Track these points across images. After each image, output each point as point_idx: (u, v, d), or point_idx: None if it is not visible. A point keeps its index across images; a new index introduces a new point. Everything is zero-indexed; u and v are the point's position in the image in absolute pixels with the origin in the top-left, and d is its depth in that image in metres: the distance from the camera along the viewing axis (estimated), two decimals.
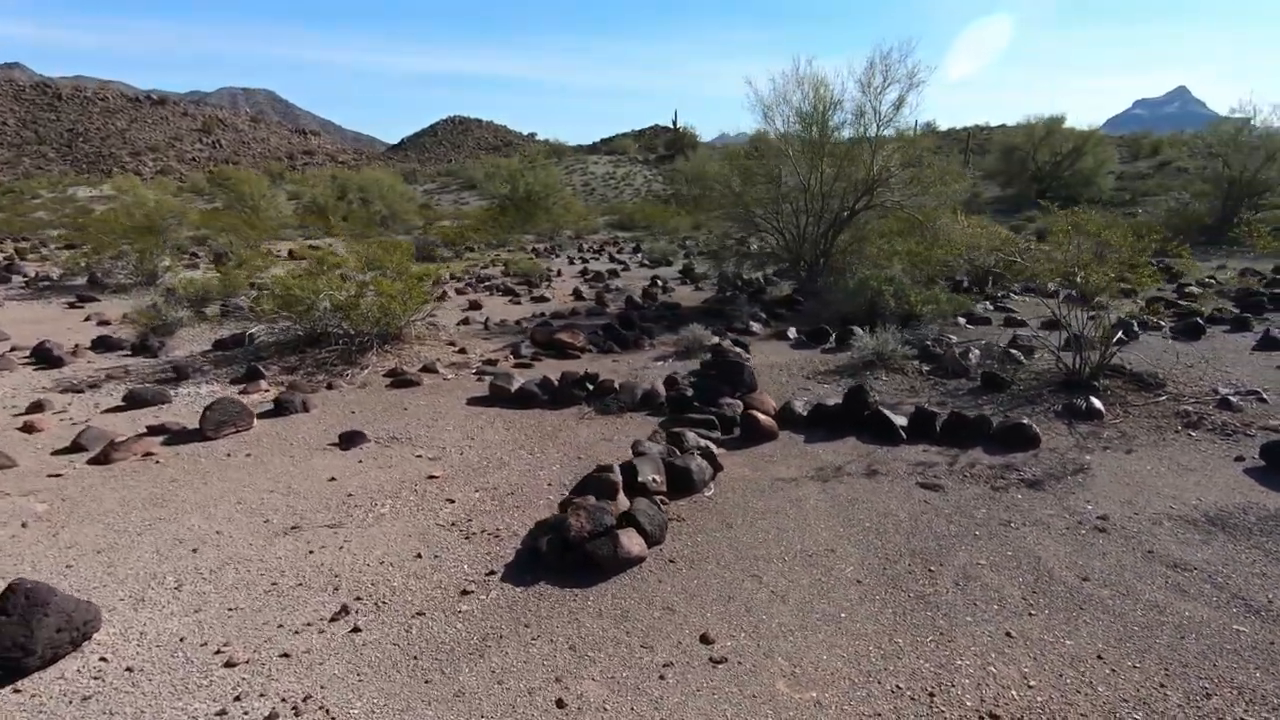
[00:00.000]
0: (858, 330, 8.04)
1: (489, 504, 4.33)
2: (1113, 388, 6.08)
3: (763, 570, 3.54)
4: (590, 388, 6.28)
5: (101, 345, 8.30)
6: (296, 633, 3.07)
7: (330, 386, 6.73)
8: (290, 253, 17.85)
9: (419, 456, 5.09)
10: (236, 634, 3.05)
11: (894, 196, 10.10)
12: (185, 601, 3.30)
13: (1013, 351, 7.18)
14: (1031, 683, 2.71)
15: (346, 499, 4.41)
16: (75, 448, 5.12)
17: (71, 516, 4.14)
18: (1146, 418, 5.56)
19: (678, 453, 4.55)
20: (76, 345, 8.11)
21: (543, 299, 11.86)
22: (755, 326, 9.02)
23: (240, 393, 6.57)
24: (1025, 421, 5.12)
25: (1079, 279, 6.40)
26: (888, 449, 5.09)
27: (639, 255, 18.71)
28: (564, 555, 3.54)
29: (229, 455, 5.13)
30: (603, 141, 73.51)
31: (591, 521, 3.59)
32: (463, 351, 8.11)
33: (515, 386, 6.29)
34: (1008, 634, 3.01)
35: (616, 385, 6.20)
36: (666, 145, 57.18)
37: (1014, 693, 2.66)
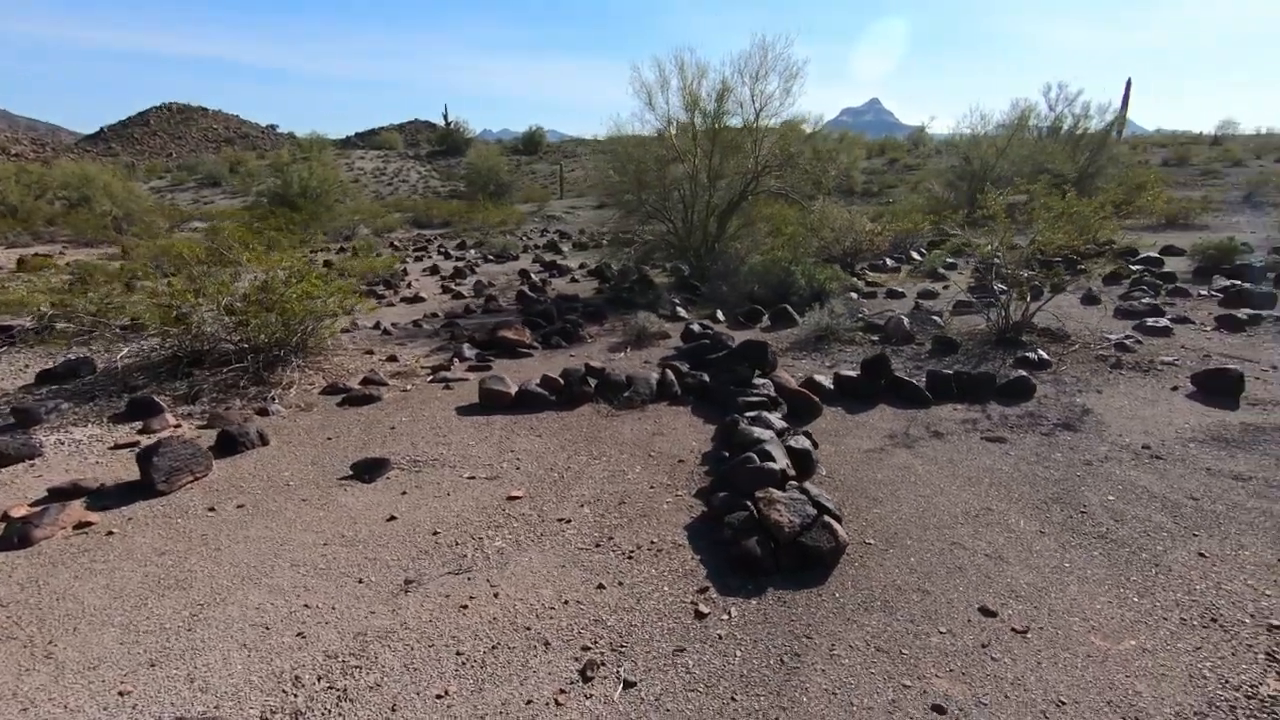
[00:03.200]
0: (789, 309, 8.39)
1: (613, 518, 3.79)
2: (1037, 341, 7.05)
3: (957, 538, 3.55)
4: (593, 383, 5.78)
5: None
6: (558, 704, 2.43)
7: (263, 413, 5.39)
8: (20, 261, 13.95)
9: (472, 479, 4.29)
10: None
11: (775, 184, 10.67)
12: (365, 708, 2.44)
13: (934, 317, 8.00)
14: (1267, 591, 3.05)
15: (433, 538, 3.58)
16: None
17: (57, 637, 2.85)
18: (1077, 364, 6.54)
19: (775, 437, 4.36)
20: None
21: (416, 299, 10.64)
22: (682, 312, 8.98)
23: (139, 431, 5.02)
24: (1024, 373, 5.74)
25: (1005, 252, 7.29)
26: (923, 411, 5.38)
27: (474, 252, 17.61)
28: (777, 554, 3.22)
29: (213, 510, 3.88)
30: (359, 136, 67.82)
31: (796, 514, 3.31)
32: (393, 359, 6.99)
33: (514, 390, 5.57)
34: (1200, 554, 3.35)
35: (624, 378, 5.78)
36: (439, 140, 54.44)
37: (1259, 602, 2.97)
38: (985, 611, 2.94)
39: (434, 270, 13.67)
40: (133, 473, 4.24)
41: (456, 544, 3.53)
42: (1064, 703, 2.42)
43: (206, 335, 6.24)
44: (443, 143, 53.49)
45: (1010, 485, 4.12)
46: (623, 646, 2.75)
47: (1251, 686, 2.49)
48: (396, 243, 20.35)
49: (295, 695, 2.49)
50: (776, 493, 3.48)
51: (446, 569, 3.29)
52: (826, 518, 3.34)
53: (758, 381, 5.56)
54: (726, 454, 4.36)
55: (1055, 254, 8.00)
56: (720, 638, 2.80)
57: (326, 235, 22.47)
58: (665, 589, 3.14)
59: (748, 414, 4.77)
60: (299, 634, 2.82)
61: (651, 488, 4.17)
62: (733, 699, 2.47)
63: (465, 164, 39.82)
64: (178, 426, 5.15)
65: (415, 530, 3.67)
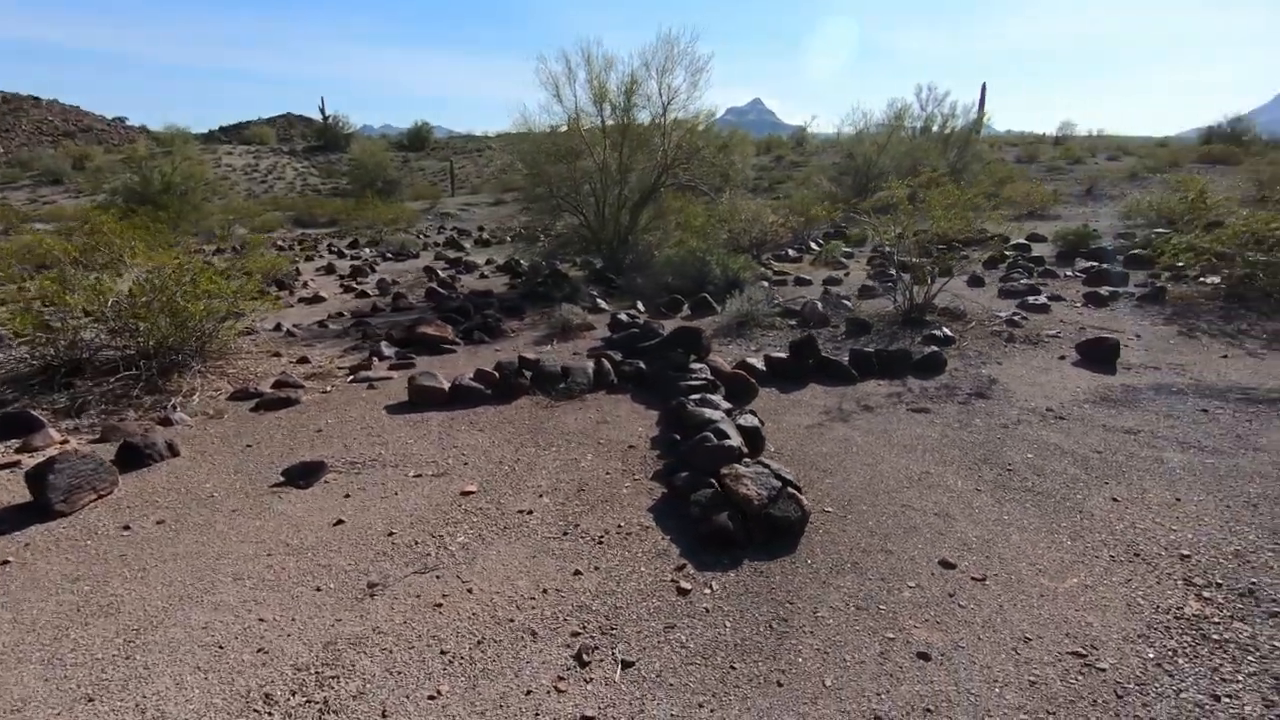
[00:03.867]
0: (709, 298, 8.57)
1: (574, 506, 3.73)
2: (939, 320, 7.56)
3: (906, 500, 3.75)
4: (529, 375, 5.66)
5: None
6: (559, 691, 2.38)
7: (165, 422, 4.90)
8: None
9: (418, 477, 4.10)
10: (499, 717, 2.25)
11: (685, 176, 10.84)
12: (353, 717, 2.29)
13: (844, 302, 8.40)
14: (1172, 526, 3.42)
15: (389, 539, 3.39)
16: None
17: None
18: (976, 339, 7.07)
19: (725, 417, 4.45)
20: None
21: (316, 299, 10.01)
22: (603, 304, 8.95)
23: (19, 450, 4.44)
24: (935, 349, 6.14)
25: (909, 239, 7.76)
26: (851, 388, 5.65)
27: (370, 250, 16.77)
28: (748, 527, 3.29)
29: (128, 529, 3.50)
30: (224, 130, 62.75)
31: (763, 488, 3.39)
32: (304, 361, 6.54)
33: (447, 385, 5.36)
34: (1113, 499, 3.72)
35: (559, 369, 5.70)
36: (316, 135, 51.40)
37: (1168, 536, 3.33)
38: (945, 564, 3.13)
39: (330, 269, 12.92)
40: (21, 494, 3.75)
41: (416, 543, 3.36)
42: (1029, 639, 2.62)
43: (85, 342, 5.60)
44: (321, 138, 50.52)
45: (942, 450, 4.41)
46: (613, 629, 2.72)
47: (1178, 609, 2.80)
48: (280, 242, 19.05)
49: (269, 713, 2.29)
50: (741, 468, 3.55)
51: (411, 569, 3.13)
52: (790, 489, 3.45)
53: (694, 366, 5.64)
54: (678, 436, 4.40)
55: (943, 241, 8.61)
56: (707, 611, 2.83)
57: (197, 236, 20.74)
58: (643, 569, 3.13)
59: (692, 397, 4.83)
60: (259, 650, 2.59)
61: (607, 474, 4.14)
62: (732, 667, 2.50)
63: (349, 160, 37.88)
64: (65, 442, 4.59)
65: (367, 533, 3.46)
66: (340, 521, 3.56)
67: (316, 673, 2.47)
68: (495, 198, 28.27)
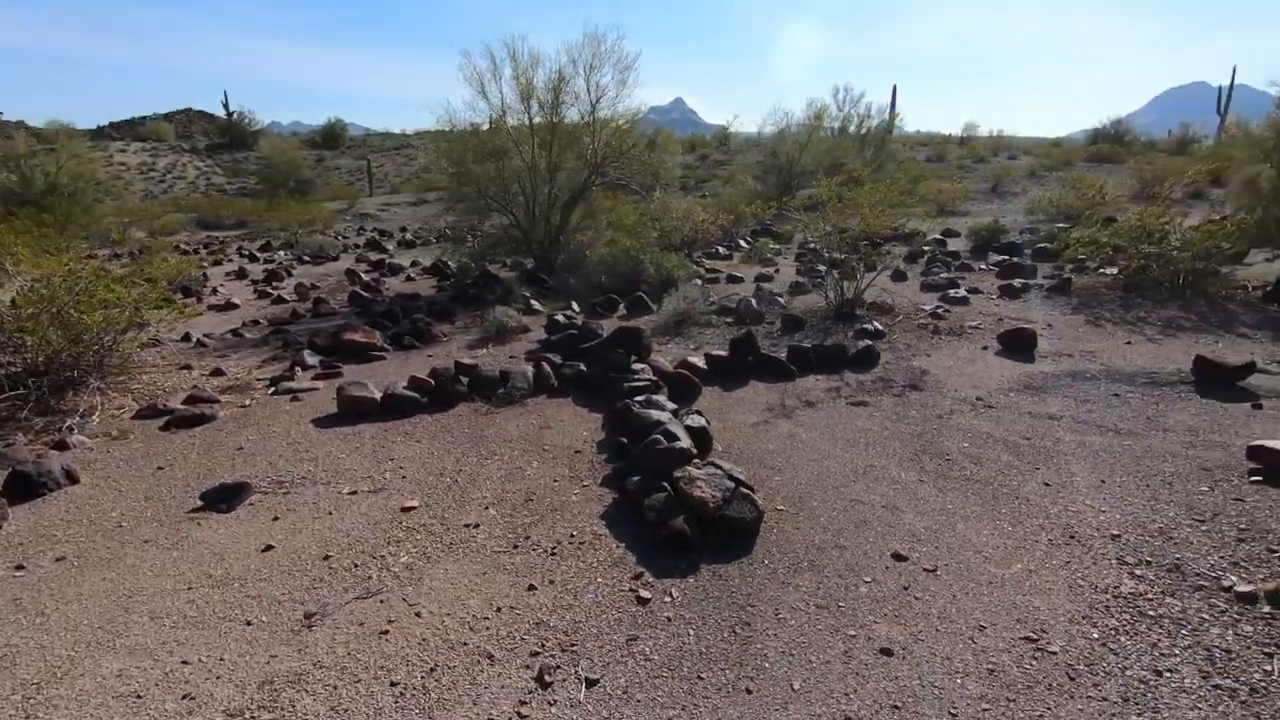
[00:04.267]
0: (645, 297, 8.53)
1: (523, 517, 3.60)
2: (869, 314, 7.77)
3: (855, 495, 3.79)
4: (466, 381, 5.47)
5: None
6: (522, 717, 2.26)
7: (60, 446, 4.46)
8: None
9: (353, 494, 3.87)
10: None
11: (615, 174, 10.76)
12: None
13: (778, 299, 8.52)
14: (1101, 508, 3.59)
15: (325, 563, 3.18)
16: None
17: None
18: (904, 332, 7.30)
19: (673, 418, 4.40)
20: None
21: (229, 306, 9.41)
22: (537, 305, 8.76)
23: None
24: (869, 343, 6.29)
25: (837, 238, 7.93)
26: (791, 383, 5.71)
27: (285, 253, 15.93)
28: (704, 531, 3.25)
29: (21, 569, 3.16)
30: (115, 126, 58.35)
31: (717, 489, 3.35)
32: (219, 373, 6.10)
33: (379, 395, 5.11)
34: (1045, 484, 3.87)
35: (498, 374, 5.52)
36: (220, 132, 48.56)
37: (1098, 518, 3.50)
38: (897, 557, 3.17)
39: (241, 274, 12.20)
40: None
41: (356, 566, 3.16)
42: (984, 627, 2.68)
43: None
44: (225, 135, 47.79)
45: (884, 443, 4.50)
46: (573, 645, 2.61)
47: (1115, 588, 2.92)
48: (184, 245, 17.87)
49: None
50: (694, 470, 3.50)
51: (352, 594, 2.93)
52: (743, 489, 3.43)
53: (636, 367, 5.57)
54: (624, 440, 4.33)
55: (867, 238, 8.87)
56: (669, 620, 2.76)
57: (90, 240, 19.22)
58: (599, 580, 3.04)
59: (637, 398, 4.76)
60: (185, 696, 2.36)
61: (554, 481, 4.02)
62: (699, 677, 2.44)
63: (258, 158, 36.04)
64: None
65: (301, 557, 3.23)
66: (270, 547, 3.31)
67: (252, 717, 2.27)
68: (417, 197, 27.41)
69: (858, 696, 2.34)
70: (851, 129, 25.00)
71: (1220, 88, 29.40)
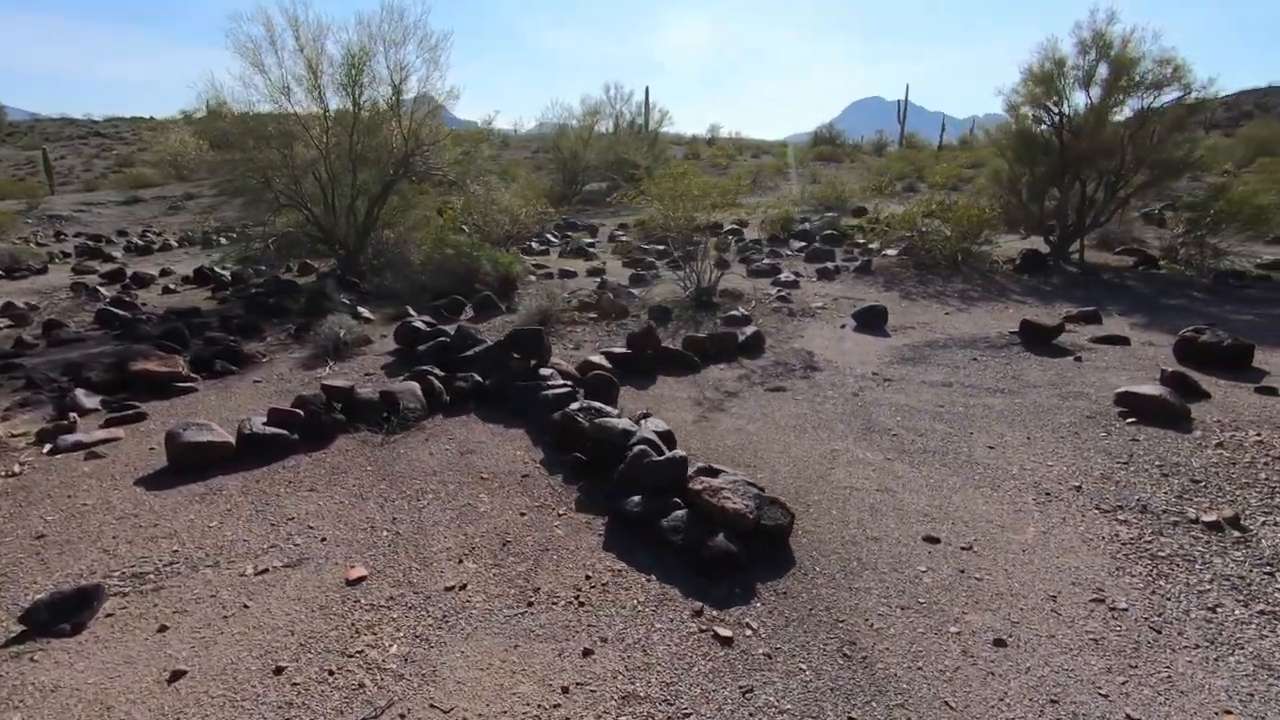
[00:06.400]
0: (493, 297, 7.78)
1: (513, 565, 2.95)
2: (725, 302, 7.88)
3: (841, 481, 3.69)
4: (339, 408, 4.44)
5: None
6: None
7: None
8: None
9: (265, 573, 2.86)
10: None
11: (425, 167, 9.67)
12: None
13: (632, 291, 8.30)
14: (1049, 461, 3.89)
15: (279, 678, 2.28)
16: None
17: None
18: (763, 315, 7.51)
19: (633, 422, 3.95)
20: None
21: None
22: (366, 313, 7.51)
23: None
24: (755, 329, 6.32)
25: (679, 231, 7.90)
26: (698, 375, 5.52)
27: None
28: (749, 543, 2.90)
29: None
30: None
31: (748, 498, 3.02)
32: None
33: (231, 437, 3.91)
34: (989, 447, 4.12)
35: (377, 396, 4.57)
36: None
37: (1052, 471, 3.79)
38: (929, 539, 3.12)
39: None
40: None
41: (331, 674, 2.29)
42: (1054, 596, 2.71)
43: None
44: None
45: (829, 425, 4.49)
46: (686, 715, 2.13)
47: (1115, 536, 3.15)
48: None
49: None
50: (714, 480, 3.13)
51: (355, 717, 2.10)
52: (763, 492, 3.14)
53: (544, 372, 4.98)
54: (581, 455, 3.78)
55: (696, 228, 9.05)
56: (769, 658, 2.39)
57: None
58: (658, 626, 2.55)
59: (573, 406, 4.20)
60: None
61: (522, 515, 3.37)
62: (851, 718, 2.11)
63: None
64: None
65: (239, 679, 2.27)
66: (179, 673, 2.29)
67: None
68: (128, 195, 22.51)
69: (1015, 700, 2.19)
70: (624, 126, 25.67)
71: (898, 101, 35.18)
